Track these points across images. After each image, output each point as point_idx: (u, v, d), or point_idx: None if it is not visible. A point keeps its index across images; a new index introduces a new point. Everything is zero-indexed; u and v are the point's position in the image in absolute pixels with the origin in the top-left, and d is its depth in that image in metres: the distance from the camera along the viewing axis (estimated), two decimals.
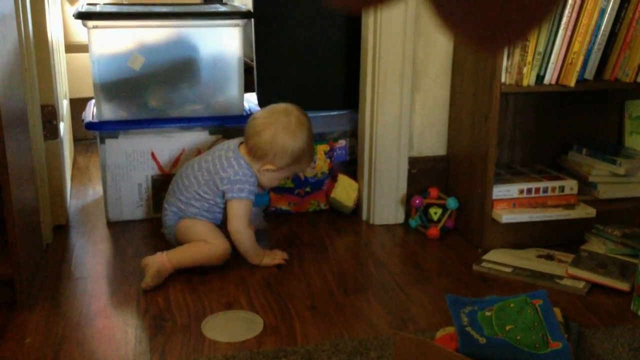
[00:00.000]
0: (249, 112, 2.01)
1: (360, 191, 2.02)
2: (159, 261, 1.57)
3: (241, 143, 1.71)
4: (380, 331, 1.39)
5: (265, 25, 1.99)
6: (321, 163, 2.03)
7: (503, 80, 1.70)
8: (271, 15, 1.99)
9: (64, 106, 2.30)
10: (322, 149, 2.02)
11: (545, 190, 1.83)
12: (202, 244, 1.64)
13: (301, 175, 2.00)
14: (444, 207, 1.92)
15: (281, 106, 1.71)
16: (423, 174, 2.01)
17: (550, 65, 1.72)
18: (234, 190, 1.65)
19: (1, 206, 1.41)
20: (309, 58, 2.03)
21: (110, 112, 1.92)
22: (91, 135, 2.60)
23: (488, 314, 1.29)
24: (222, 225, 1.70)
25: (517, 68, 1.70)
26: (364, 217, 2.02)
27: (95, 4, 2.08)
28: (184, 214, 1.69)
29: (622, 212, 1.85)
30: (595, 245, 1.74)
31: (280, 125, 1.64)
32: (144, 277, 1.55)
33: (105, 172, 1.94)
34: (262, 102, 2.06)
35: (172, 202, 1.71)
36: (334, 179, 2.02)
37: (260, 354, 1.28)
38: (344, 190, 2.00)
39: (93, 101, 2.00)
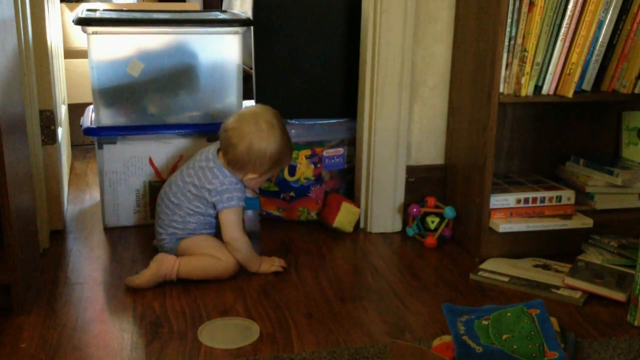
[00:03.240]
0: None
1: (358, 203, 2.03)
2: (166, 267, 1.57)
3: (218, 150, 1.69)
4: (377, 339, 1.38)
5: (264, 33, 2.00)
6: (303, 168, 2.00)
7: (501, 90, 1.71)
8: (271, 24, 2.00)
9: (62, 111, 2.31)
10: (303, 153, 1.99)
11: (543, 200, 1.83)
12: (215, 260, 1.62)
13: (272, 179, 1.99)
14: (441, 216, 1.92)
15: (249, 111, 1.69)
16: (421, 182, 2.01)
17: (548, 76, 1.73)
18: (223, 200, 1.64)
19: None
20: (307, 66, 2.04)
21: (108, 118, 1.92)
22: (89, 140, 2.60)
23: (485, 323, 1.29)
24: (217, 234, 1.70)
25: (516, 78, 1.71)
26: (362, 225, 2.02)
27: (94, 10, 2.08)
28: (182, 234, 1.67)
29: (619, 222, 1.86)
30: (592, 256, 1.75)
31: (252, 135, 1.63)
32: (141, 271, 1.57)
33: (102, 177, 1.94)
34: None
35: (167, 224, 1.67)
36: (337, 205, 1.97)
37: None
38: (346, 218, 1.98)
39: (91, 107, 2.01)
